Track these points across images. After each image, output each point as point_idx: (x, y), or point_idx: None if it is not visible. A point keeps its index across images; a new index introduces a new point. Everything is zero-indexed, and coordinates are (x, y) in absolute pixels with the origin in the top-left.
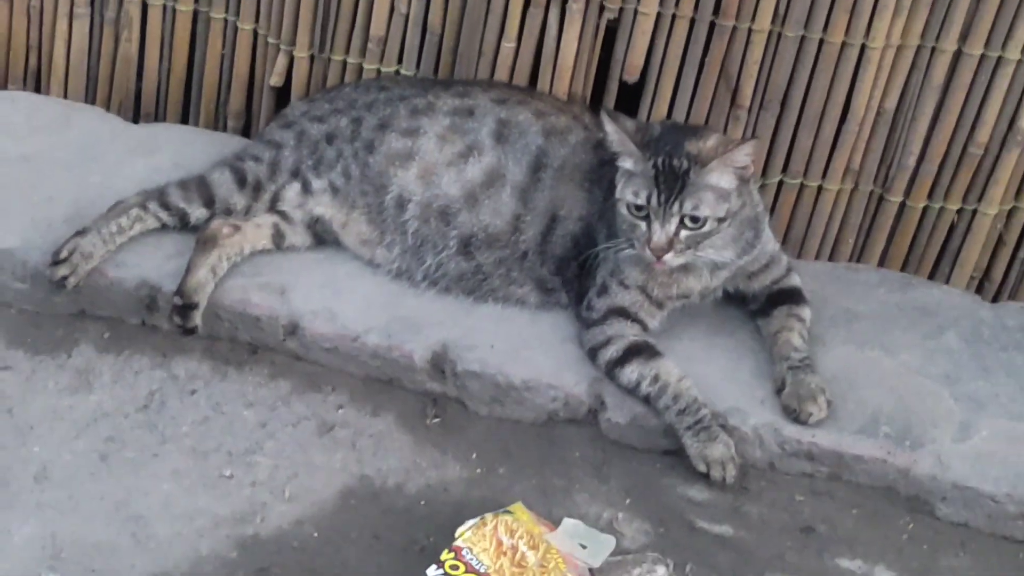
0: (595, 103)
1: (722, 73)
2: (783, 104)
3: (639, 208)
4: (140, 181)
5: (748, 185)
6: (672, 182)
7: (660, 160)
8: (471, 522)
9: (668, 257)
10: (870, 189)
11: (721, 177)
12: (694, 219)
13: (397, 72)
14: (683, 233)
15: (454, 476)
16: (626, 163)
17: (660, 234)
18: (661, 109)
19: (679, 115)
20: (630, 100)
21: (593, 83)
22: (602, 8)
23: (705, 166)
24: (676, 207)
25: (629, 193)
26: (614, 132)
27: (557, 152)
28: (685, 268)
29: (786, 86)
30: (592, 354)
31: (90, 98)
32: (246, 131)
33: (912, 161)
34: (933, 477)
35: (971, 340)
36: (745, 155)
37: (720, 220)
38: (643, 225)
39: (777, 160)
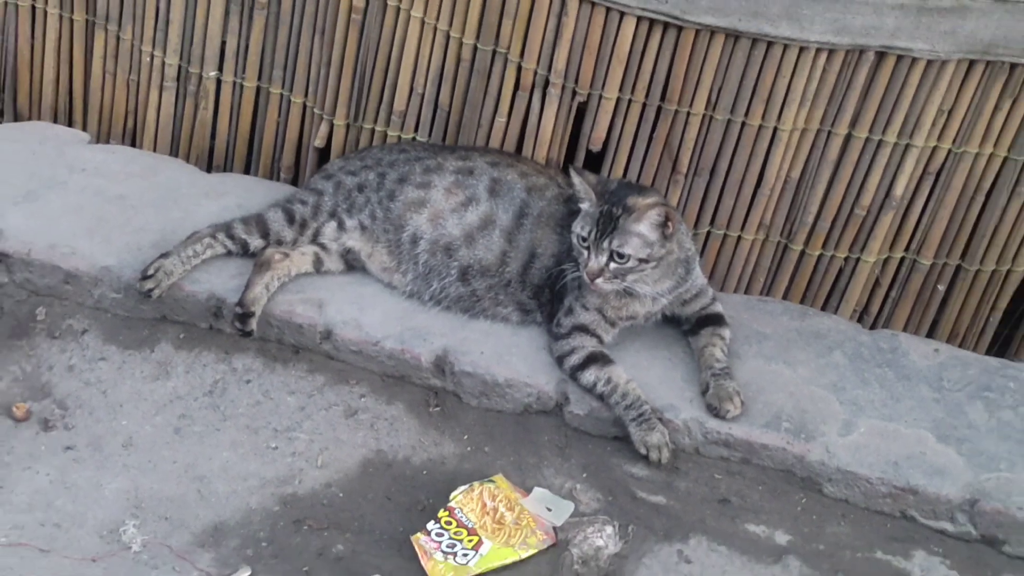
0: (567, 167)
1: (666, 146)
2: (712, 172)
3: (583, 239)
4: (211, 217)
5: (675, 236)
6: (607, 224)
7: (606, 207)
8: (462, 488)
9: (599, 282)
10: (777, 240)
11: (645, 227)
12: (620, 255)
13: (414, 138)
14: (612, 265)
15: (450, 452)
16: (584, 205)
17: (593, 262)
18: (617, 173)
19: (631, 178)
20: (594, 165)
21: (566, 151)
22: (574, 93)
23: (631, 216)
24: (606, 243)
25: (578, 227)
26: (579, 183)
27: (536, 204)
28: (631, 296)
29: (715, 158)
30: (559, 361)
31: (174, 152)
32: (295, 181)
33: (810, 219)
34: (822, 463)
35: (853, 358)
36: (657, 214)
37: (642, 261)
38: (585, 254)
39: (706, 215)
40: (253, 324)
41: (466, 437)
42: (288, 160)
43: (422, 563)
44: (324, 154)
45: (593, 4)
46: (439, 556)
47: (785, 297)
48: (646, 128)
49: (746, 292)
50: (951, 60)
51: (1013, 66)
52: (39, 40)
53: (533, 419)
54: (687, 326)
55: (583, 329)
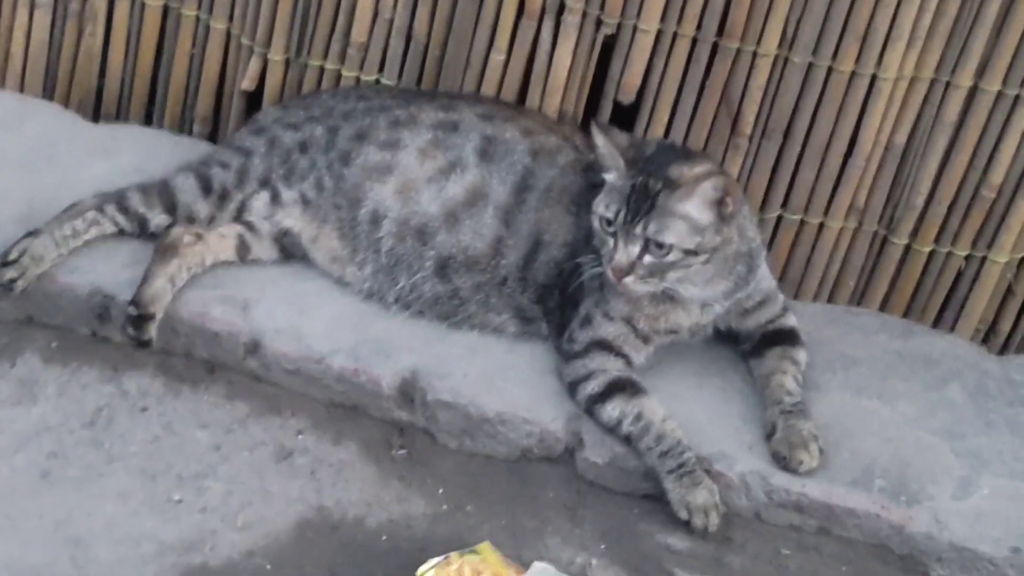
0: (587, 123)
1: (723, 98)
2: (786, 134)
3: (608, 223)
4: (98, 183)
5: (735, 220)
6: (642, 202)
7: (640, 179)
8: (435, 561)
9: (628, 281)
10: (874, 229)
11: (694, 207)
12: (659, 244)
13: (378, 81)
14: (646, 258)
15: (418, 511)
16: (611, 176)
17: (621, 254)
18: (657, 133)
19: (675, 139)
20: (625, 122)
21: (586, 102)
22: (599, 22)
23: (674, 191)
24: (640, 228)
25: (602, 205)
26: (604, 145)
27: (544, 173)
28: (672, 301)
29: (790, 115)
30: (572, 388)
31: (48, 94)
32: (213, 136)
33: (920, 201)
34: (929, 536)
35: (975, 393)
36: (711, 188)
37: (689, 253)
38: (611, 242)
39: (777, 194)
40: (152, 331)
41: (441, 491)
42: (204, 108)
43: None
44: (255, 100)
45: None
46: None
47: (883, 308)
48: (696, 73)
49: (830, 300)
50: None
51: None
52: None
53: (534, 468)
54: (748, 345)
55: (605, 346)
